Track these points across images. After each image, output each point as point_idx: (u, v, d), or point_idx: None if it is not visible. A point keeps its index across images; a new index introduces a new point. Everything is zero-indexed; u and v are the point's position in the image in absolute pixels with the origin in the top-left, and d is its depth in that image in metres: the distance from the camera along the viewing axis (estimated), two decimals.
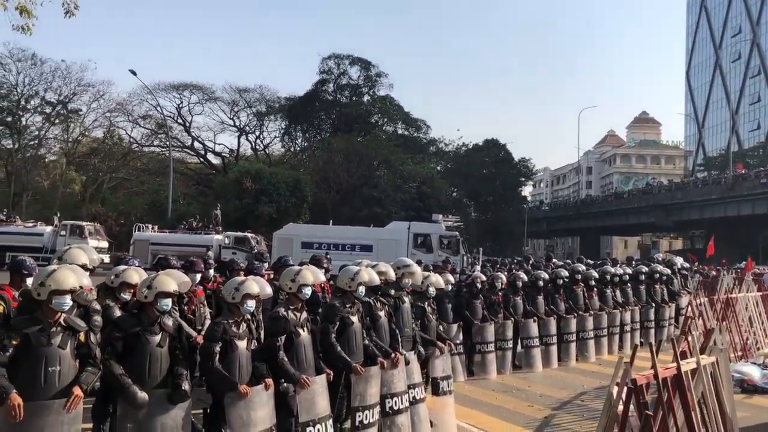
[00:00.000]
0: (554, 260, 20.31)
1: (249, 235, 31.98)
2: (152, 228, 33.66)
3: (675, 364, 4.60)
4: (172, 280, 5.05)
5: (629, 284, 13.76)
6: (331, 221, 34.75)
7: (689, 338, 5.63)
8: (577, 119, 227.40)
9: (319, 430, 5.46)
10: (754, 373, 9.61)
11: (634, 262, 18.29)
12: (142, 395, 4.62)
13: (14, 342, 4.36)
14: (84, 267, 5.39)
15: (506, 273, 12.46)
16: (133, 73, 42.50)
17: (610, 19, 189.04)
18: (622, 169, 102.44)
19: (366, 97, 58.13)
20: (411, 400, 6.57)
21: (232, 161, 56.34)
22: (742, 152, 72.65)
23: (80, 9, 16.69)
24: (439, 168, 58.30)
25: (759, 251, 46.48)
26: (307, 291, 5.88)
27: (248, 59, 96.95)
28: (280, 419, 5.36)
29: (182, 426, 4.77)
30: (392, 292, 7.05)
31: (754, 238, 53.67)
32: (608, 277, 13.24)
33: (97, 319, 5.26)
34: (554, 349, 11.56)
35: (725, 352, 5.56)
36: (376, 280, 6.49)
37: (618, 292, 13.40)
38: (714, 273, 21.88)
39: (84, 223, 33.41)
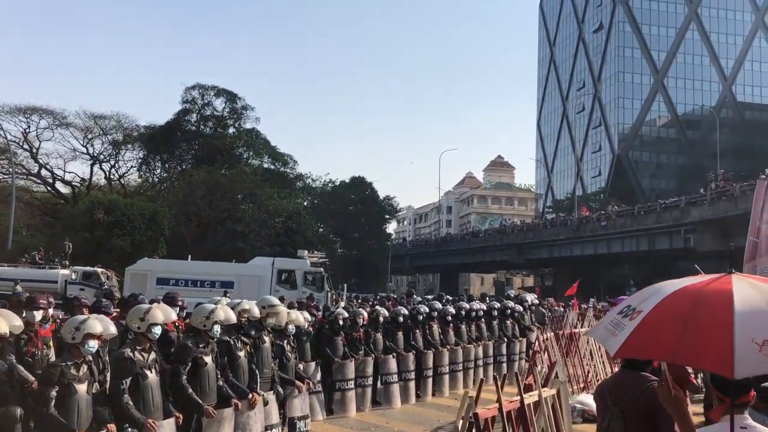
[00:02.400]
0: (414, 296, 20.82)
1: (99, 270, 30.04)
2: None
3: (519, 398, 4.84)
4: None
5: (483, 319, 14.34)
6: (189, 256, 33.49)
7: (534, 371, 5.96)
8: (438, 161, 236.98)
9: None
10: (594, 403, 10.29)
11: (488, 298, 19.14)
12: None
13: None
14: None
15: (368, 309, 12.57)
16: None
17: (471, 67, 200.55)
18: (479, 210, 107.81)
19: (231, 130, 57.12)
20: None
21: (84, 191, 52.98)
22: (586, 196, 78.89)
23: None
24: (305, 203, 58.21)
25: (600, 289, 50.26)
26: (157, 330, 5.60)
27: (106, 85, 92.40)
28: None
29: None
30: (253, 332, 6.90)
31: (597, 276, 58.06)
32: (463, 312, 13.73)
33: None
34: (412, 384, 11.75)
35: (565, 384, 5.92)
36: (233, 318, 6.32)
37: (473, 327, 13.92)
38: (561, 308, 23.38)
39: None
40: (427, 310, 12.72)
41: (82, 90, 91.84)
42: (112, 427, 4.94)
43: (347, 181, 63.49)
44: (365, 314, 11.56)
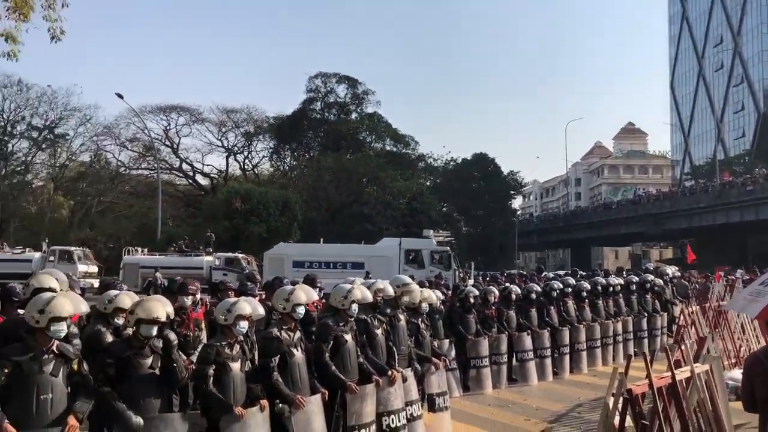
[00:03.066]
0: (545, 273, 20.35)
1: (239, 255, 31.86)
2: (142, 251, 33.49)
3: (669, 373, 4.62)
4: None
5: (621, 294, 13.79)
6: (321, 240, 34.70)
7: (683, 347, 5.66)
8: (564, 131, 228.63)
9: None
10: None
11: (624, 273, 18.35)
12: (137, 420, 4.58)
13: (6, 370, 4.31)
14: (50, 290, 5.32)
15: (497, 286, 12.47)
16: (120, 96, 42.50)
17: (594, 31, 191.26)
18: (610, 180, 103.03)
19: (354, 115, 58.33)
20: (408, 417, 6.55)
21: (221, 182, 56.24)
22: (729, 160, 73.26)
23: (66, 34, 16.70)
24: (428, 184, 58.39)
25: (749, 258, 46.74)
26: (301, 310, 5.86)
27: (235, 80, 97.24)
28: None
29: None
30: (388, 310, 7.06)
31: (744, 245, 53.99)
32: (600, 288, 13.27)
33: (76, 342, 5.22)
34: (549, 361, 11.55)
35: (719, 359, 5.59)
36: (369, 297, 6.49)
37: (610, 303, 13.43)
38: (703, 280, 21.99)
39: (73, 248, 33.20)
40: (561, 286, 12.42)
41: (214, 86, 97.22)
42: (264, 402, 5.24)
43: (469, 158, 62.89)
44: (496, 292, 11.48)
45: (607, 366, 12.17)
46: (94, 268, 32.64)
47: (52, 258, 30.86)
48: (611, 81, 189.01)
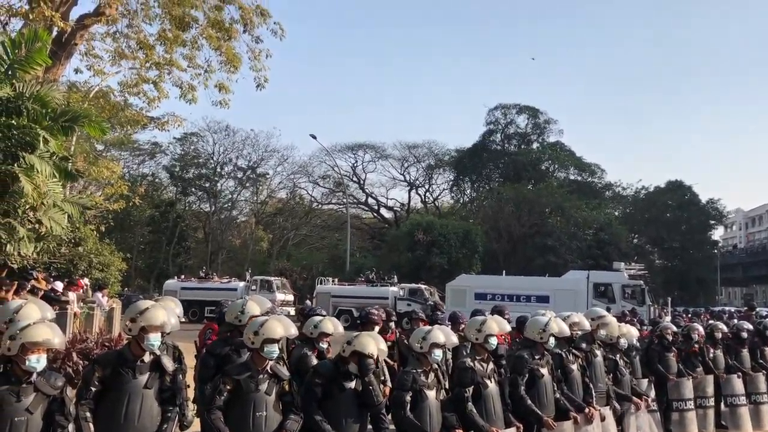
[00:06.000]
0: (757, 309, 18.36)
1: (422, 286, 32.45)
2: (332, 281, 35.35)
3: None
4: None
5: None
6: (504, 272, 34.29)
7: None
8: None
9: None
10: None
11: None
12: None
13: (228, 387, 4.75)
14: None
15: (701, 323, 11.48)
16: (314, 137, 45.82)
17: None
18: None
19: (535, 145, 57.46)
20: None
21: (404, 215, 57.91)
22: None
23: (269, 81, 18.33)
24: (617, 213, 55.55)
25: None
26: (493, 341, 5.85)
27: (416, 116, 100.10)
28: None
29: None
30: (584, 345, 6.80)
31: None
32: None
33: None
34: (766, 408, 10.35)
35: None
36: (567, 331, 6.30)
37: None
38: None
39: (272, 278, 35.86)
40: None
41: (395, 123, 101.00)
42: None
43: (662, 186, 58.91)
44: (701, 329, 10.56)
45: None
46: (290, 297, 34.97)
47: (254, 287, 33.55)
48: None
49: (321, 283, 34.77)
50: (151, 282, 46.79)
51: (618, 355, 7.41)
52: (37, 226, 12.30)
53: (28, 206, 11.91)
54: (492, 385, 5.71)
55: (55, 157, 12.11)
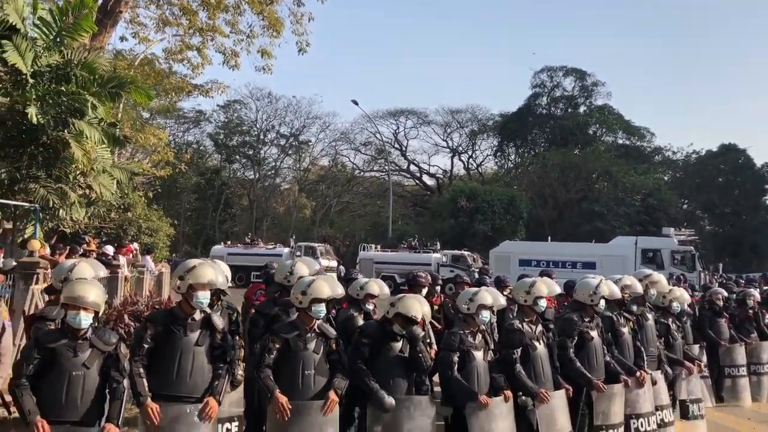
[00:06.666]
0: None
1: (465, 253, 32.33)
2: (375, 248, 35.49)
3: None
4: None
5: None
6: (549, 238, 33.87)
7: None
8: None
9: None
10: None
11: None
12: (390, 400, 4.80)
13: (277, 345, 4.78)
14: None
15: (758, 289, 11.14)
16: (355, 103, 45.52)
17: None
18: None
19: (582, 108, 56.03)
20: (659, 422, 6.12)
21: (446, 181, 57.53)
22: None
23: (311, 46, 18.22)
24: (666, 178, 54.07)
25: None
26: (542, 303, 5.76)
27: (460, 80, 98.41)
28: None
29: (429, 431, 4.87)
30: (635, 308, 6.65)
31: None
32: None
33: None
34: None
35: None
36: (618, 293, 6.16)
37: None
38: None
39: (316, 244, 36.18)
40: None
41: (440, 88, 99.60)
42: (508, 393, 5.22)
43: (714, 149, 57.00)
44: (756, 295, 10.25)
45: None
46: (334, 263, 35.26)
47: (298, 253, 33.90)
48: None
49: (364, 250, 34.95)
50: (198, 248, 47.67)
51: (670, 319, 7.24)
52: (87, 191, 12.60)
53: (78, 172, 12.19)
54: (540, 347, 5.64)
55: (103, 123, 12.35)
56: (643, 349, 6.40)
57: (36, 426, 3.88)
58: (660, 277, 7.17)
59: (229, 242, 36.98)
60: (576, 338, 5.85)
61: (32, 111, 10.77)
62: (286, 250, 34.99)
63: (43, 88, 11.44)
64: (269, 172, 59.44)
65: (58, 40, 11.92)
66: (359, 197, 59.84)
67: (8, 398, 4.95)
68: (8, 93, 11.30)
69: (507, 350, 5.53)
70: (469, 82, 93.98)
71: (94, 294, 4.16)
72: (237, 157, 58.17)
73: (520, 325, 5.61)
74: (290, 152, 59.17)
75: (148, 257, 17.34)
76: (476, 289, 5.71)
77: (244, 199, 58.66)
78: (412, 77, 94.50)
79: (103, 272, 4.94)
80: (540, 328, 5.74)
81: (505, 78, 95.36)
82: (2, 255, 9.10)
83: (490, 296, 5.49)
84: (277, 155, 59.23)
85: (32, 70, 11.35)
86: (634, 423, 5.88)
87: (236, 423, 5.34)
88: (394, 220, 47.04)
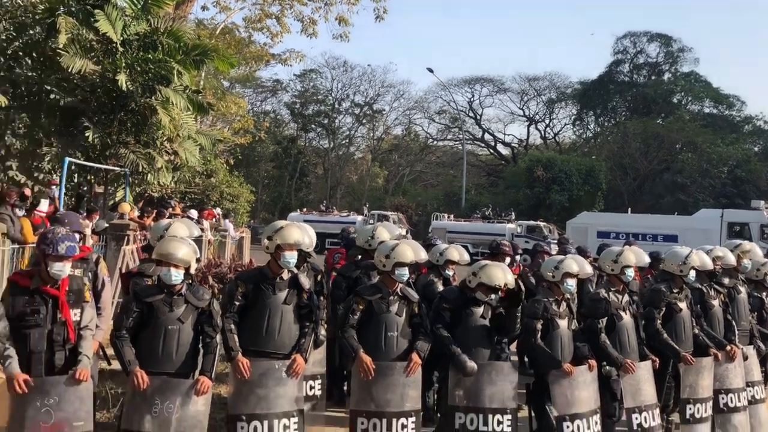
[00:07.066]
0: None
1: (541, 223, 31.81)
2: (448, 217, 35.36)
3: None
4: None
5: None
6: (629, 209, 32.86)
7: None
8: None
9: (645, 417, 5.18)
10: None
11: None
12: (472, 365, 4.80)
13: (360, 306, 4.86)
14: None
15: None
16: (430, 71, 45.14)
17: None
18: None
19: (667, 75, 53.53)
20: (750, 399, 5.89)
21: (522, 151, 56.45)
22: None
23: (388, 12, 18.10)
24: (756, 149, 51.21)
25: None
26: (630, 273, 5.61)
27: (538, 47, 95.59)
28: (604, 402, 5.20)
29: (510, 397, 4.87)
30: (726, 280, 6.38)
31: None
32: None
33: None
34: None
35: None
36: (709, 264, 5.93)
37: None
38: None
39: (389, 213, 36.38)
40: None
41: (515, 55, 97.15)
42: (593, 362, 5.14)
43: None
44: None
45: None
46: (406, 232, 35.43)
47: (371, 221, 34.22)
48: None
49: (436, 219, 34.89)
50: (275, 215, 48.74)
51: (765, 293, 6.90)
52: (173, 157, 13.07)
53: (165, 138, 12.65)
54: (627, 317, 5.51)
55: (188, 91, 12.72)
56: (734, 323, 6.15)
57: (135, 376, 4.09)
58: (753, 246, 6.87)
59: (304, 209, 37.68)
60: (663, 309, 5.68)
61: (122, 78, 11.21)
62: (360, 218, 35.35)
63: (131, 56, 11.87)
64: (343, 141, 59.90)
65: (145, 8, 12.30)
66: (432, 166, 59.56)
67: (109, 351, 5.24)
68: (100, 61, 11.77)
69: (592, 319, 5.42)
70: (549, 48, 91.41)
71: (183, 251, 4.31)
72: (312, 126, 58.82)
73: (605, 294, 5.49)
74: (364, 121, 59.33)
75: (228, 222, 17.89)
76: (561, 256, 5.60)
77: (319, 167, 59.44)
78: (488, 44, 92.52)
79: (197, 232, 5.14)
80: (626, 297, 5.59)
81: (586, 45, 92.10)
82: (98, 217, 9.60)
83: (576, 264, 5.37)
84: (351, 124, 59.58)
85: (122, 38, 11.79)
86: (723, 398, 5.69)
87: (319, 381, 5.51)
88: (467, 190, 46.66)
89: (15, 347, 3.93)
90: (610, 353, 5.26)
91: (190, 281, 4.45)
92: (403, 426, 4.60)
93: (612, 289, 5.56)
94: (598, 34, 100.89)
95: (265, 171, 53.73)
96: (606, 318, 5.40)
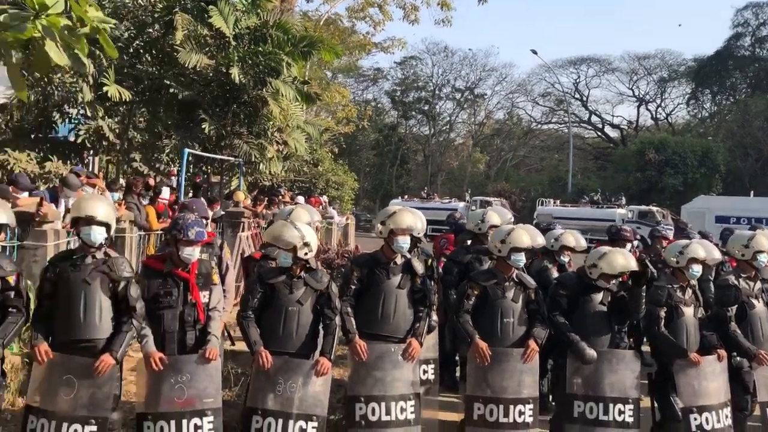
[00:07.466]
0: None
1: (654, 209, 30.37)
2: (554, 202, 34.46)
3: None
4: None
5: None
6: (751, 192, 30.78)
7: None
8: None
9: None
10: None
11: None
12: (591, 352, 4.67)
13: (475, 291, 4.83)
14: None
15: None
16: (534, 52, 43.94)
17: None
18: None
19: None
20: None
21: (631, 133, 54.06)
22: None
23: None
24: None
25: None
26: (763, 258, 5.25)
27: (647, 23, 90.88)
28: (735, 395, 4.91)
29: (632, 386, 4.70)
30: None
31: None
32: None
33: None
34: None
35: None
36: None
37: None
38: None
39: (491, 198, 35.91)
40: None
41: (623, 33, 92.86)
42: (722, 352, 4.88)
43: None
44: None
45: None
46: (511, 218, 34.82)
47: (473, 207, 33.88)
48: None
49: (542, 205, 34.08)
50: (377, 202, 49.31)
51: None
52: (282, 146, 13.47)
53: (275, 128, 13.05)
54: (760, 306, 5.17)
55: (296, 82, 13.05)
56: None
57: (261, 355, 4.26)
58: None
59: (406, 197, 37.87)
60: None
61: (235, 71, 11.65)
62: (462, 204, 35.11)
63: (243, 49, 12.30)
64: (444, 127, 59.61)
65: (254, 3, 12.71)
66: (536, 151, 58.18)
67: (232, 332, 5.50)
68: (213, 55, 12.28)
69: (720, 308, 5.13)
70: (659, 24, 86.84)
71: (289, 235, 4.43)
72: (413, 113, 58.91)
73: (735, 281, 5.17)
74: (465, 106, 58.76)
75: (332, 209, 18.30)
76: (686, 241, 5.32)
77: (420, 154, 59.49)
78: (594, 22, 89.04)
79: (317, 216, 5.29)
80: (759, 284, 5.24)
81: (701, 18, 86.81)
82: (218, 207, 10.09)
83: (703, 249, 5.09)
84: (452, 110, 59.18)
85: (234, 32, 12.24)
86: None
87: (432, 366, 5.54)
88: (573, 174, 45.27)
89: (150, 327, 4.19)
90: (741, 343, 4.96)
91: (307, 264, 4.54)
92: (521, 413, 4.55)
93: (743, 275, 5.23)
94: (715, 10, 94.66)
95: (367, 159, 54.39)
96: (736, 306, 5.09)
